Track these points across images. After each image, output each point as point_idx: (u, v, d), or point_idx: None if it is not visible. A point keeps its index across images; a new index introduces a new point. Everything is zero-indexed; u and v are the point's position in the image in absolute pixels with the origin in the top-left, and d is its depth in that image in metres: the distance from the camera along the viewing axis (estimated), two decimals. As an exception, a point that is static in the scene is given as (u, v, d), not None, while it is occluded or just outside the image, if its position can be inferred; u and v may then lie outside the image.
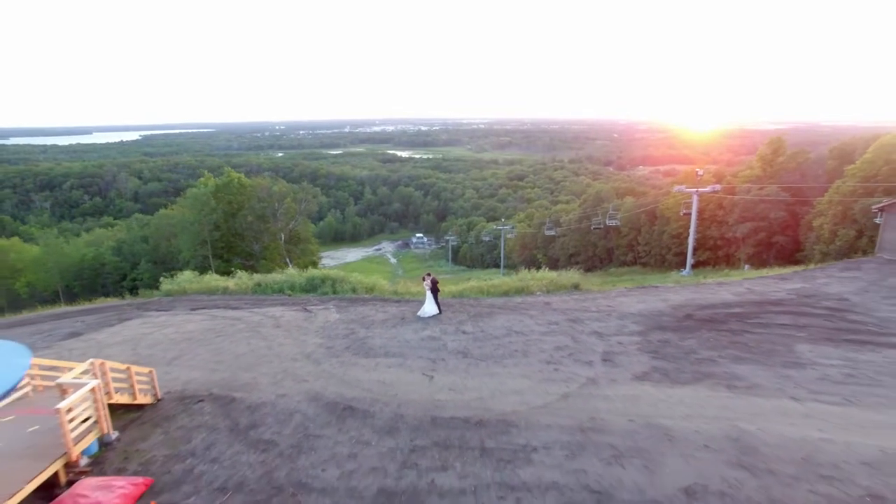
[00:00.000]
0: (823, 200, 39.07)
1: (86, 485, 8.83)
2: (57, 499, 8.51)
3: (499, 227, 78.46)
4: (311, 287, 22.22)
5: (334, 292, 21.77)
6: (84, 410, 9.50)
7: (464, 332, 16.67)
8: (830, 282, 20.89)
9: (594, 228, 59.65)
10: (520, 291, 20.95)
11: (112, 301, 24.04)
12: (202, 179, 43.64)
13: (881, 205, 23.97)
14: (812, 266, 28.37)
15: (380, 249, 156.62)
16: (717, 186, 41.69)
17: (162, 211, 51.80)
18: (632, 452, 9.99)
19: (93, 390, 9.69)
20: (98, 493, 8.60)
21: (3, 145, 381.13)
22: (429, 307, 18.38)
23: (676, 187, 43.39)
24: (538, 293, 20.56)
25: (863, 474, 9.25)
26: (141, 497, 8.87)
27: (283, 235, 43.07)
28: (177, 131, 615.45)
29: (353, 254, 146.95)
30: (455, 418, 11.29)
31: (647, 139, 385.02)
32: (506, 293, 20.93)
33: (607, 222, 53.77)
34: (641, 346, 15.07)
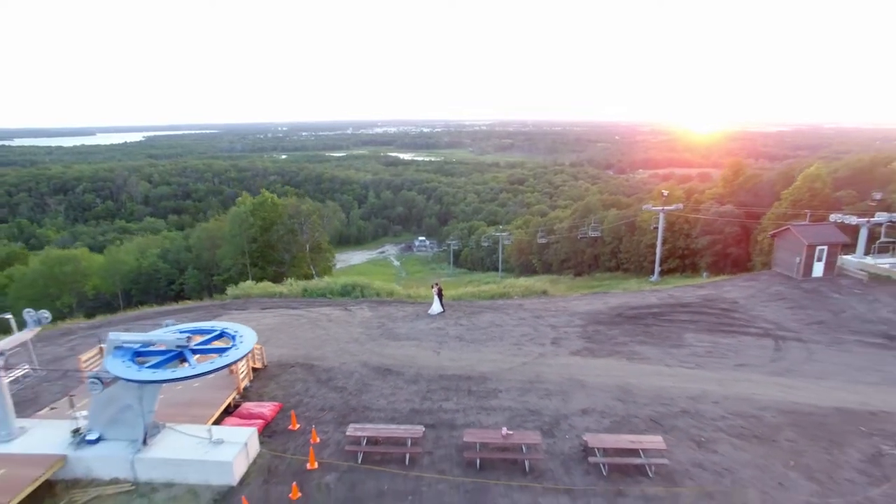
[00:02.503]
0: (766, 218, 46.03)
1: (248, 405, 15.92)
2: (236, 411, 15.58)
3: (497, 234, 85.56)
4: (346, 292, 29.19)
5: (363, 296, 28.79)
6: (242, 365, 16.60)
7: (460, 325, 23.72)
8: (732, 289, 27.89)
9: (580, 238, 66.75)
10: (502, 296, 28.00)
11: (192, 303, 31.01)
12: (240, 199, 51.19)
13: (773, 232, 31.00)
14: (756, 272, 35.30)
15: (383, 252, 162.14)
16: (680, 206, 48.69)
17: (203, 224, 59.12)
18: (557, 393, 17.03)
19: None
20: (257, 408, 15.68)
21: (10, 147, 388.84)
22: (436, 307, 25.42)
23: (645, 206, 50.38)
24: (515, 297, 27.62)
25: (684, 402, 16.33)
26: (278, 412, 15.92)
27: (307, 246, 50.24)
28: (180, 132, 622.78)
29: (357, 256, 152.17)
30: (454, 375, 18.33)
31: (649, 142, 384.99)
32: (492, 297, 27.98)
33: (590, 233, 60.80)
34: (580, 334, 22.14)
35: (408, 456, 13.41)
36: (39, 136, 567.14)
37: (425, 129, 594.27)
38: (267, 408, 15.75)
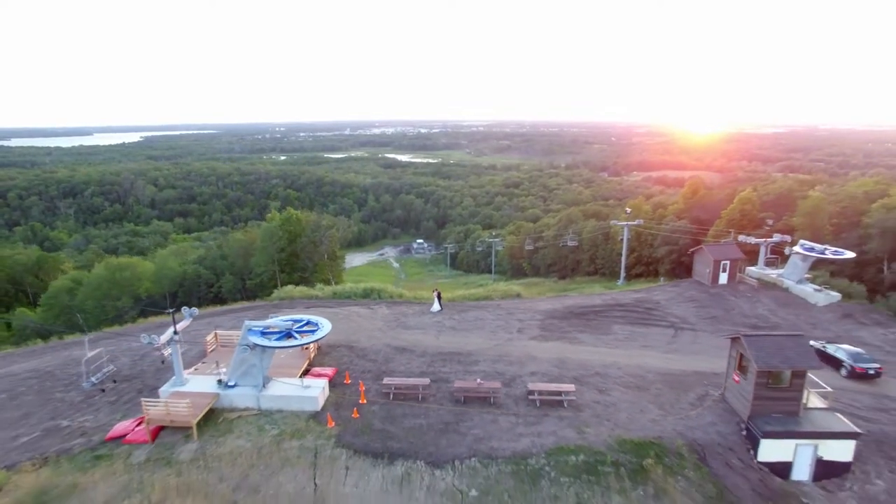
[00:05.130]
0: (710, 234, 54.80)
1: (316, 368, 24.60)
2: (309, 372, 24.25)
3: (490, 239, 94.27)
4: (366, 295, 37.80)
5: (380, 298, 37.42)
6: (312, 345, 25.32)
7: (453, 319, 32.40)
8: (660, 294, 36.73)
9: (561, 245, 75.57)
10: (486, 298, 36.73)
11: (246, 303, 39.73)
12: (269, 216, 60.29)
13: (692, 249, 39.83)
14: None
15: (383, 254, 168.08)
16: (641, 221, 57.61)
17: (236, 235, 68.10)
18: (516, 363, 25.75)
19: (312, 337, 25.47)
20: (322, 371, 24.37)
21: (8, 147, 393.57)
22: (436, 306, 34.08)
23: (612, 221, 59.27)
24: (496, 299, 36.35)
25: (599, 368, 25.12)
26: (335, 373, 24.56)
27: (326, 255, 58.83)
28: (178, 133, 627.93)
29: (358, 258, 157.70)
30: (449, 352, 27.02)
31: (644, 143, 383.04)
32: (478, 299, 36.70)
33: (568, 243, 69.60)
34: (539, 325, 30.91)
35: (420, 395, 22.13)
36: (36, 136, 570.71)
37: (423, 130, 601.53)
38: (328, 370, 24.45)
